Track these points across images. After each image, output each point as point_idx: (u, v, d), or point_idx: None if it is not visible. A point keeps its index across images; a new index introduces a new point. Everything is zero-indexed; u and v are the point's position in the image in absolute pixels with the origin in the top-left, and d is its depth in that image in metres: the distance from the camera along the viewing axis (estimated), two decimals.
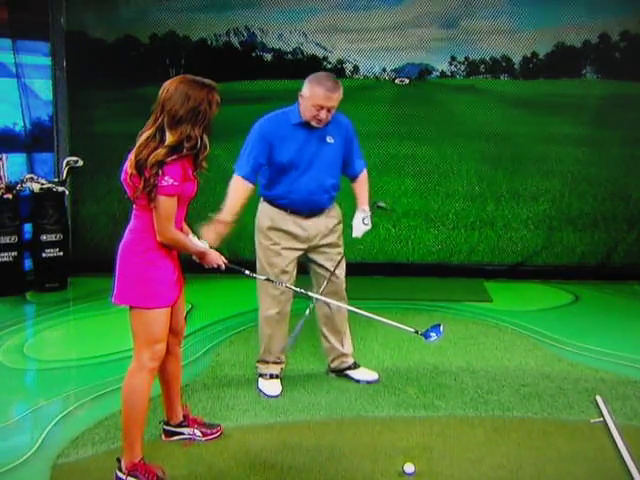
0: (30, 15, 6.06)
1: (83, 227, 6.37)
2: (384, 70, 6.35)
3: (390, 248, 6.39)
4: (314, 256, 3.68)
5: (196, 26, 6.34)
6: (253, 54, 6.46)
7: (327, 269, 3.67)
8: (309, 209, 3.57)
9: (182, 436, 3.09)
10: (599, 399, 3.54)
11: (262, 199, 3.67)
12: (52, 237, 5.73)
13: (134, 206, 2.67)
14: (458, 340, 4.54)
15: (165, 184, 2.52)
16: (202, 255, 2.84)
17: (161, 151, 2.52)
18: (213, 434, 3.12)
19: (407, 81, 6.32)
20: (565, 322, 5.03)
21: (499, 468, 2.88)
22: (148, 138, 2.55)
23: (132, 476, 2.70)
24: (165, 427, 3.11)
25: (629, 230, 6.20)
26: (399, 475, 2.81)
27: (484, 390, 3.70)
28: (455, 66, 6.32)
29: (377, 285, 6.06)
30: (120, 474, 2.72)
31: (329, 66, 6.37)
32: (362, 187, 3.76)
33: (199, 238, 2.90)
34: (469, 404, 3.52)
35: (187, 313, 4.86)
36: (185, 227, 2.86)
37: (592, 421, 3.32)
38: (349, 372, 3.84)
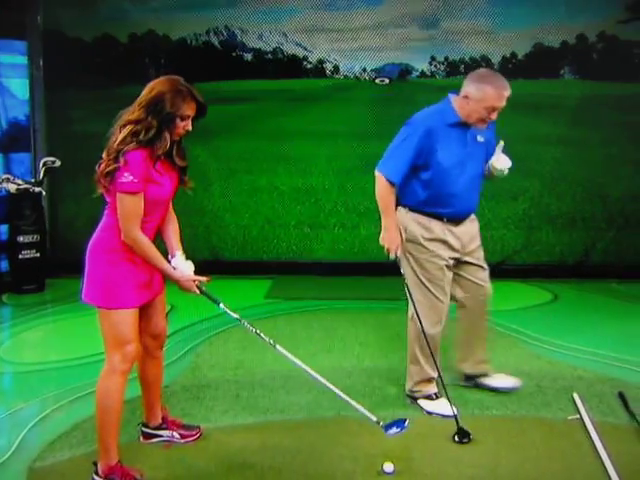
0: (6, 13, 5.98)
1: (61, 228, 6.32)
2: (364, 70, 6.36)
3: (371, 247, 6.38)
4: (465, 262, 3.44)
5: (176, 25, 6.31)
6: (233, 54, 6.44)
7: (477, 281, 3.47)
8: (466, 214, 3.38)
9: (161, 438, 3.07)
10: (576, 397, 3.57)
11: (407, 208, 3.36)
12: (29, 238, 5.69)
13: (106, 204, 2.66)
14: None
15: (124, 180, 2.50)
16: (172, 279, 2.72)
17: (122, 134, 2.51)
18: (192, 436, 3.10)
19: (387, 81, 6.34)
20: (544, 320, 5.07)
21: (478, 466, 2.90)
22: (119, 126, 2.57)
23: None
24: (143, 429, 3.08)
25: (607, 229, 6.27)
26: (379, 474, 2.82)
27: (463, 390, 3.71)
28: (435, 66, 6.35)
29: (359, 285, 6.08)
30: (97, 478, 2.69)
31: (309, 66, 6.38)
32: None
33: (187, 258, 2.78)
34: None
35: (167, 313, 4.83)
36: (174, 243, 2.81)
37: (569, 418, 3.35)
38: (484, 379, 3.62)
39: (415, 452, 3.00)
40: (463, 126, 3.25)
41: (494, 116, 3.18)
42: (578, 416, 3.36)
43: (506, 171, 3.34)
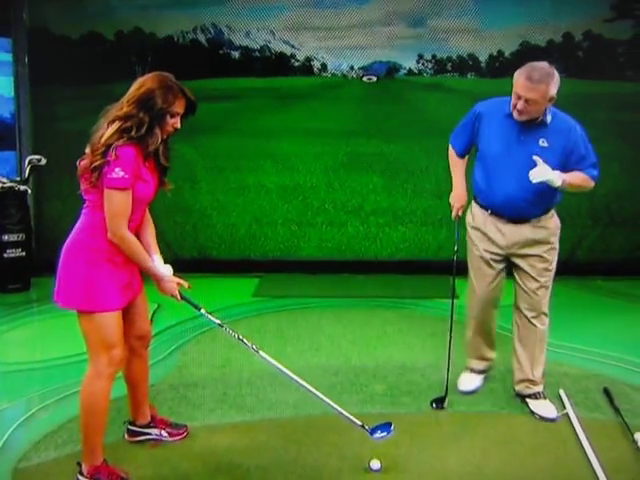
0: None
1: (47, 227, 6.25)
2: (352, 68, 6.35)
3: (358, 245, 6.41)
4: (516, 264, 3.41)
5: (163, 23, 6.26)
6: (220, 51, 6.41)
7: (525, 289, 3.40)
8: (509, 214, 3.30)
9: (149, 436, 3.06)
10: (562, 393, 3.60)
11: (473, 196, 3.52)
12: (14, 237, 5.63)
13: (85, 203, 2.62)
14: (425, 337, 4.58)
15: (115, 176, 2.45)
16: (156, 279, 2.70)
17: (111, 130, 2.48)
18: (180, 434, 3.09)
19: (375, 79, 6.34)
20: None
21: (465, 463, 2.92)
22: (108, 122, 2.53)
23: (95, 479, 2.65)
24: (130, 427, 3.06)
25: (593, 226, 6.30)
26: (366, 472, 2.83)
27: (451, 386, 3.71)
28: (422, 64, 6.35)
29: (345, 282, 6.08)
30: (82, 479, 2.67)
31: (297, 64, 6.36)
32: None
33: (165, 262, 2.75)
34: None
35: (154, 312, 4.82)
36: (152, 245, 2.75)
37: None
38: (529, 400, 3.47)
39: (402, 449, 3.00)
40: (522, 121, 3.18)
41: (520, 105, 3.09)
42: (564, 412, 3.38)
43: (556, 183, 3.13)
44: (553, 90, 3.07)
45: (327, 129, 6.37)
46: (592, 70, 6.19)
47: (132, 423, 3.06)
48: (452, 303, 3.65)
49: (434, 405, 3.42)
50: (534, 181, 3.09)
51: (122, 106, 2.53)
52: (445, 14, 6.22)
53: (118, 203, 2.49)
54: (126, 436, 3.06)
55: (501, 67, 6.27)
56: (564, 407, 3.44)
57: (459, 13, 6.19)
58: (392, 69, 6.35)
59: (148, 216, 2.81)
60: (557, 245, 3.39)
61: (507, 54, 6.21)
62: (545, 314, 3.45)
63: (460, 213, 3.55)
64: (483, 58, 6.26)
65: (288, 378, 2.96)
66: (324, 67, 6.38)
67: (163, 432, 3.06)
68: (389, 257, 6.40)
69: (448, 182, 6.21)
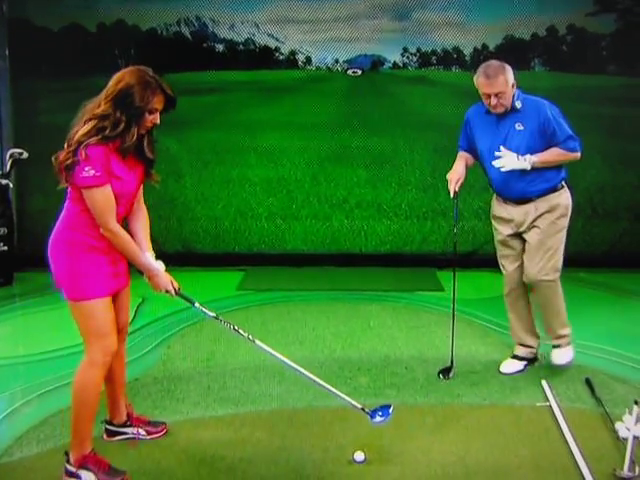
0: None
1: (30, 221, 6.20)
2: (337, 61, 6.35)
3: (343, 239, 6.41)
4: (525, 244, 3.71)
5: (146, 15, 6.20)
6: (204, 44, 6.37)
7: (525, 260, 3.69)
8: (510, 196, 3.63)
9: (125, 436, 3.01)
10: (545, 384, 3.63)
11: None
12: None
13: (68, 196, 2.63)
14: (410, 329, 4.59)
15: (86, 175, 2.45)
16: (150, 274, 2.72)
17: (86, 128, 2.47)
18: (158, 432, 3.05)
19: (360, 72, 6.33)
20: None
21: (448, 454, 2.93)
22: (85, 120, 2.51)
23: (83, 468, 2.66)
24: (107, 427, 3.02)
25: (575, 219, 6.27)
26: (349, 463, 2.84)
27: (435, 378, 3.74)
28: (407, 57, 6.36)
29: (330, 276, 6.08)
30: (70, 467, 2.67)
31: (281, 57, 6.34)
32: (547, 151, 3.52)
33: (156, 259, 2.74)
34: (420, 392, 3.57)
35: (138, 306, 4.82)
36: (143, 241, 2.74)
37: (538, 405, 3.40)
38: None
39: (385, 440, 3.01)
40: (499, 113, 3.50)
41: (492, 101, 3.43)
42: (547, 403, 3.41)
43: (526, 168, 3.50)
44: (510, 77, 3.43)
45: (312, 122, 6.37)
46: (575, 63, 6.23)
47: (109, 422, 3.02)
48: (453, 287, 3.97)
49: (441, 376, 3.65)
50: (504, 170, 3.46)
51: (99, 103, 2.51)
52: (430, 7, 6.23)
53: (98, 200, 2.51)
54: (104, 436, 3.01)
55: (485, 61, 6.24)
56: (546, 398, 3.47)
57: (444, 6, 6.19)
58: (377, 62, 6.35)
59: (142, 210, 2.83)
60: (560, 223, 3.66)
61: (491, 47, 6.23)
62: (542, 280, 3.76)
63: (457, 189, 3.65)
64: (468, 51, 6.28)
65: (286, 366, 3.03)
66: (309, 60, 6.37)
67: (140, 430, 2.99)
68: (374, 250, 6.41)
69: (432, 175, 6.35)
